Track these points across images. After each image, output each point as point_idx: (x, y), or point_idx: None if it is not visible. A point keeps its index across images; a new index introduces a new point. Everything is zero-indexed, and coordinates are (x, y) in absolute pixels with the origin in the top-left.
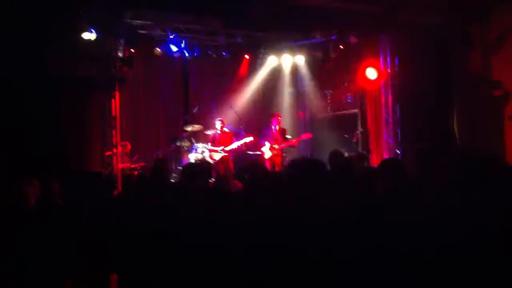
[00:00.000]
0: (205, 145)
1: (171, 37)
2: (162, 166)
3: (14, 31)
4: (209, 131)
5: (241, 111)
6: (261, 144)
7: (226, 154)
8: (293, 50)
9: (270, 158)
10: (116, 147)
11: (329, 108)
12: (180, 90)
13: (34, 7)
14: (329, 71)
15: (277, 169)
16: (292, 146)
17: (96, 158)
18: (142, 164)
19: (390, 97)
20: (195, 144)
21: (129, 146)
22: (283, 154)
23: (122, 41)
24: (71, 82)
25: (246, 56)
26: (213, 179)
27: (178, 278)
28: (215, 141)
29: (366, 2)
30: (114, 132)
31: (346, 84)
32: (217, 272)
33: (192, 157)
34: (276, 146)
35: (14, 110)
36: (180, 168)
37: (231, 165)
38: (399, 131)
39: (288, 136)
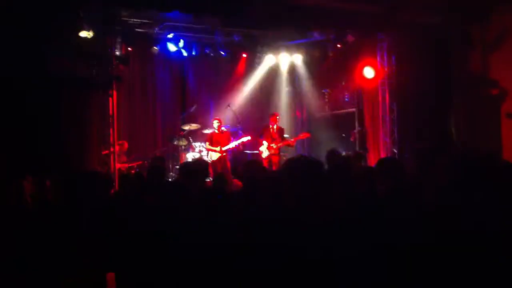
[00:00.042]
0: (202, 144)
1: (169, 36)
2: (159, 165)
3: (14, 31)
4: (206, 130)
5: (238, 110)
6: (259, 143)
7: (224, 153)
8: (291, 49)
9: (268, 157)
10: (113, 146)
11: (326, 107)
12: (177, 88)
13: (34, 7)
14: (327, 70)
15: (274, 168)
16: (290, 146)
17: (94, 157)
18: (139, 163)
19: (387, 96)
20: (193, 143)
21: (126, 145)
22: (281, 153)
23: (119, 40)
24: (71, 82)
25: (244, 55)
26: (210, 178)
27: (177, 278)
28: (212, 141)
29: (366, 2)
30: (111, 131)
31: (343, 83)
32: (216, 272)
33: (190, 156)
34: (274, 146)
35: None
36: (178, 167)
37: (229, 164)
38: (396, 130)
39: (286, 135)
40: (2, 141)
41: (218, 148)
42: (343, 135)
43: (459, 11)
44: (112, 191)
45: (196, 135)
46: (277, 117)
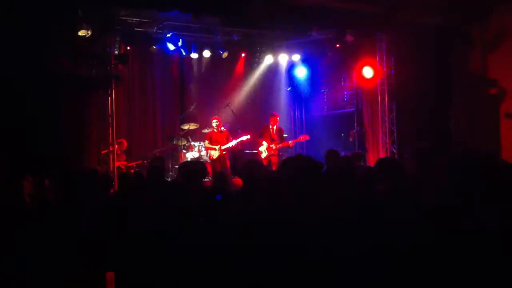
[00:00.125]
0: (202, 143)
1: (168, 35)
2: (158, 164)
3: (14, 31)
4: (205, 129)
5: (237, 109)
6: (259, 143)
7: (224, 152)
8: (290, 48)
9: (267, 158)
10: (112, 146)
11: (325, 107)
12: (176, 88)
13: (34, 7)
14: (326, 69)
15: (274, 168)
16: (289, 147)
17: (93, 157)
18: (139, 162)
19: (386, 96)
20: (192, 143)
21: (125, 144)
22: (280, 154)
23: (118, 39)
24: (71, 81)
25: (243, 55)
26: (209, 178)
27: (177, 277)
28: (211, 140)
29: (366, 1)
30: (111, 130)
31: (342, 83)
32: (216, 272)
33: (189, 156)
34: (273, 146)
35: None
36: (177, 167)
37: (228, 163)
38: (395, 130)
39: (285, 135)
40: (2, 141)
41: (217, 147)
42: (342, 135)
43: (459, 11)
44: (112, 190)
45: (195, 135)
46: (277, 118)
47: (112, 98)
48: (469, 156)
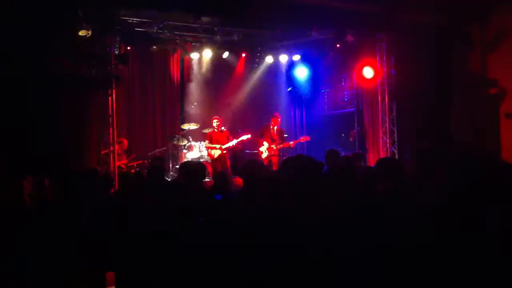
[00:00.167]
0: (202, 143)
1: (168, 34)
2: (159, 164)
3: (14, 31)
4: (206, 129)
5: (237, 109)
6: (259, 143)
7: (224, 151)
8: (290, 48)
9: (268, 158)
10: (113, 145)
11: (326, 107)
12: (176, 88)
13: (34, 7)
14: (326, 70)
15: (274, 168)
16: (289, 147)
17: (93, 157)
18: (139, 162)
19: (387, 96)
20: (193, 143)
21: (125, 143)
22: (281, 154)
23: (118, 39)
24: (71, 81)
25: (243, 55)
26: (210, 178)
27: (177, 277)
28: (212, 140)
29: (366, 1)
30: (111, 130)
31: (343, 83)
32: (216, 272)
33: (190, 156)
34: (274, 147)
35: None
36: (177, 166)
37: (228, 163)
38: (395, 130)
39: (285, 135)
40: (2, 141)
41: (217, 146)
42: (343, 135)
43: (459, 11)
44: (112, 190)
45: (195, 135)
46: (278, 119)
47: (113, 98)
48: (469, 156)
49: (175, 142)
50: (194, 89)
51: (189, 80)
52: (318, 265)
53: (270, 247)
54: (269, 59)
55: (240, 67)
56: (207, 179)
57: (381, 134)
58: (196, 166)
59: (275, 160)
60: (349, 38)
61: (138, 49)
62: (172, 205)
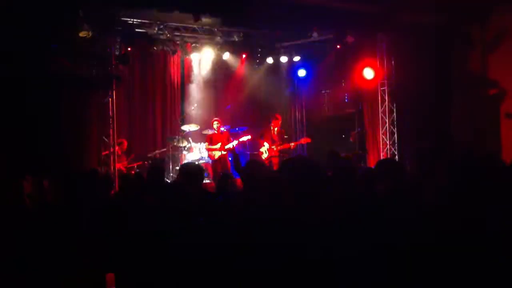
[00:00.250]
0: (202, 144)
1: (168, 35)
2: (159, 165)
3: (14, 31)
4: (206, 131)
5: (237, 110)
6: (260, 144)
7: (224, 152)
8: (291, 49)
9: (268, 159)
10: (113, 147)
11: (326, 108)
12: (177, 89)
13: (34, 7)
14: (326, 70)
15: (274, 169)
16: (290, 149)
17: (93, 157)
18: (139, 163)
19: (387, 97)
20: (193, 144)
21: (125, 144)
22: (281, 155)
23: (118, 39)
24: (71, 82)
25: (243, 56)
26: (211, 179)
27: (177, 278)
28: (212, 141)
29: (366, 2)
30: (111, 131)
31: (343, 84)
32: (216, 272)
33: (190, 157)
34: (274, 148)
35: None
36: (177, 168)
37: (229, 164)
38: (395, 131)
39: (286, 137)
40: (2, 141)
41: (218, 146)
42: (343, 136)
43: (459, 11)
44: (112, 192)
45: (196, 136)
46: (279, 120)
47: (113, 99)
48: (469, 156)
49: (175, 143)
50: (194, 90)
51: (189, 81)
52: (318, 265)
53: (270, 247)
54: (269, 60)
55: (240, 68)
56: (207, 181)
57: (381, 135)
58: (195, 168)
59: (275, 161)
60: (349, 39)
61: (138, 50)
62: (172, 205)
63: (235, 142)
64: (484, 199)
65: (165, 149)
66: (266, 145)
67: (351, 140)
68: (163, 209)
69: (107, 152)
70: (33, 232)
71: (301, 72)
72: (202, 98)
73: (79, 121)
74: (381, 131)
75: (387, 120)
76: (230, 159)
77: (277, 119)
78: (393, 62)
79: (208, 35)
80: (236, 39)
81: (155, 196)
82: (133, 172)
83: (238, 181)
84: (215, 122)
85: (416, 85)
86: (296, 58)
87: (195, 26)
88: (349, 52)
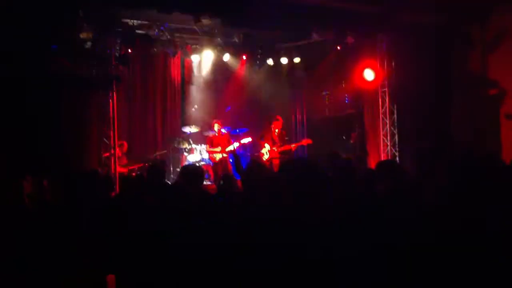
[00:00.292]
0: (203, 146)
1: (169, 37)
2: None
3: (14, 31)
4: (206, 132)
5: (238, 112)
6: (261, 145)
7: (225, 155)
8: (291, 50)
9: (269, 160)
10: (114, 149)
11: (326, 109)
12: (177, 90)
13: (34, 7)
14: (327, 72)
15: (275, 170)
16: (291, 150)
17: (94, 158)
18: (140, 165)
19: (387, 98)
20: (194, 145)
21: (126, 146)
22: (282, 156)
23: (119, 40)
24: (71, 82)
25: (244, 57)
26: (211, 181)
27: (177, 278)
28: (213, 143)
29: (366, 2)
30: (112, 133)
31: (343, 85)
32: (216, 272)
33: (191, 159)
34: (275, 149)
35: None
36: (178, 169)
37: (230, 166)
38: (396, 132)
39: (287, 138)
40: (2, 141)
41: (219, 149)
42: (343, 137)
43: (459, 11)
44: (113, 193)
45: (196, 137)
46: (281, 122)
47: (113, 101)
48: (469, 157)
49: (175, 144)
50: (194, 91)
51: (189, 82)
52: (318, 265)
53: (270, 247)
54: (269, 62)
55: (240, 69)
56: (208, 182)
57: (381, 136)
58: (195, 169)
59: (276, 162)
60: (350, 39)
61: (138, 51)
62: (172, 205)
63: (236, 144)
64: (484, 199)
65: (165, 151)
66: (267, 146)
67: (351, 141)
68: (163, 209)
69: (107, 154)
70: (33, 232)
71: (302, 74)
72: (202, 100)
73: (79, 121)
74: (382, 132)
75: (387, 121)
76: (231, 161)
77: (277, 120)
78: (393, 63)
79: (208, 37)
80: (236, 41)
81: (155, 196)
82: (134, 174)
83: (239, 182)
84: (216, 124)
85: (416, 85)
86: (297, 60)
87: (195, 27)
88: (349, 53)
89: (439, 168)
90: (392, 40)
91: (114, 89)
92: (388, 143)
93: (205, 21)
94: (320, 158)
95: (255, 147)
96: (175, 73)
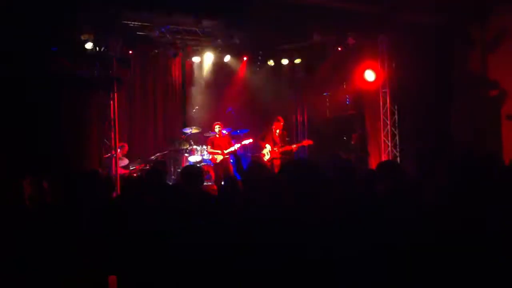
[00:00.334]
0: (204, 147)
1: (169, 38)
2: (160, 167)
3: (14, 31)
4: (207, 133)
5: (239, 113)
6: (262, 146)
7: (226, 156)
8: (292, 52)
9: (270, 160)
10: (114, 149)
11: (327, 110)
12: (178, 91)
13: (34, 7)
14: (328, 72)
15: (276, 171)
16: (292, 151)
17: (94, 158)
18: (142, 166)
19: (388, 99)
20: (194, 146)
21: (126, 147)
22: (283, 157)
23: (120, 42)
24: (71, 82)
25: (245, 58)
26: (212, 182)
27: (177, 278)
28: (214, 145)
29: (366, 2)
30: (112, 134)
31: (344, 86)
32: (217, 272)
33: (191, 159)
34: (276, 150)
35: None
36: (179, 170)
37: (231, 167)
38: (397, 133)
39: (287, 139)
40: (2, 141)
41: (220, 151)
42: (344, 138)
43: (459, 11)
44: (114, 194)
45: (197, 138)
46: (281, 123)
47: (114, 102)
48: (469, 157)
49: (176, 145)
50: (195, 92)
51: (190, 83)
52: (318, 265)
53: (270, 247)
54: (270, 63)
55: (241, 70)
56: (209, 183)
57: (382, 137)
58: (195, 170)
59: (277, 163)
60: (350, 41)
61: (139, 53)
62: (172, 205)
63: (237, 146)
64: (484, 199)
65: (166, 152)
66: (268, 147)
67: (352, 142)
68: (164, 209)
69: (108, 155)
70: (33, 232)
71: (303, 75)
72: (203, 101)
73: (79, 121)
74: (383, 133)
75: (388, 122)
76: (232, 161)
77: (279, 121)
78: (393, 64)
79: (209, 38)
80: (237, 42)
81: (155, 196)
82: (135, 175)
83: (240, 183)
84: (217, 126)
85: (417, 85)
86: (297, 61)
87: (196, 29)
88: (350, 54)
89: (439, 168)
90: (392, 40)
91: (115, 91)
92: (389, 144)
93: (206, 23)
94: (321, 159)
95: (256, 147)
96: (176, 74)
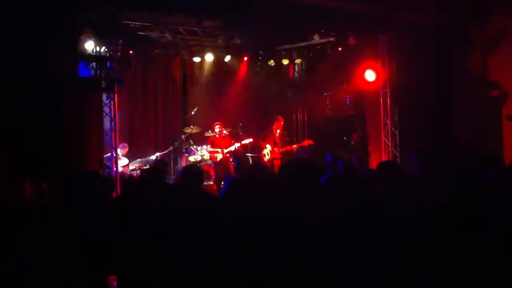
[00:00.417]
0: (204, 147)
1: (170, 38)
2: (159, 167)
3: (14, 31)
4: (207, 133)
5: (239, 113)
6: (262, 146)
7: (227, 155)
8: (292, 52)
9: (270, 161)
10: (115, 149)
11: (328, 110)
12: (178, 91)
13: (34, 7)
14: (328, 72)
15: (276, 171)
16: (292, 151)
17: (94, 158)
18: (142, 166)
19: (388, 99)
20: (195, 146)
21: (127, 148)
22: (283, 157)
23: (120, 42)
24: (71, 82)
25: (245, 58)
26: (212, 181)
27: (177, 278)
28: (214, 145)
29: (366, 2)
30: (113, 134)
31: (345, 86)
32: (217, 272)
33: (192, 159)
34: (276, 150)
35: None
36: (179, 170)
37: (231, 166)
38: (397, 133)
39: (288, 139)
40: (2, 141)
41: (220, 150)
42: (345, 138)
43: (459, 11)
44: (114, 194)
45: (197, 138)
46: (282, 123)
47: (115, 102)
48: (469, 157)
49: (176, 145)
50: (196, 92)
51: (191, 83)
52: (318, 265)
53: (270, 247)
54: (271, 63)
55: (242, 70)
56: (210, 182)
57: (383, 137)
58: (195, 169)
59: (277, 163)
60: (351, 41)
61: (140, 53)
62: (172, 205)
63: (237, 145)
64: (484, 199)
65: (166, 151)
66: (269, 147)
67: (352, 142)
68: (164, 209)
69: (108, 154)
70: (33, 232)
71: (303, 75)
72: (203, 100)
73: (79, 121)
74: (383, 132)
75: (388, 122)
76: (233, 163)
77: (279, 121)
78: (394, 64)
79: (209, 38)
80: (238, 42)
81: (155, 196)
82: (135, 175)
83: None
84: (217, 126)
85: (417, 85)
86: (298, 61)
87: (196, 29)
88: (351, 54)
89: (439, 168)
90: (392, 40)
91: (116, 91)
92: (389, 144)
93: (207, 23)
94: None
95: (257, 147)
96: (177, 74)
